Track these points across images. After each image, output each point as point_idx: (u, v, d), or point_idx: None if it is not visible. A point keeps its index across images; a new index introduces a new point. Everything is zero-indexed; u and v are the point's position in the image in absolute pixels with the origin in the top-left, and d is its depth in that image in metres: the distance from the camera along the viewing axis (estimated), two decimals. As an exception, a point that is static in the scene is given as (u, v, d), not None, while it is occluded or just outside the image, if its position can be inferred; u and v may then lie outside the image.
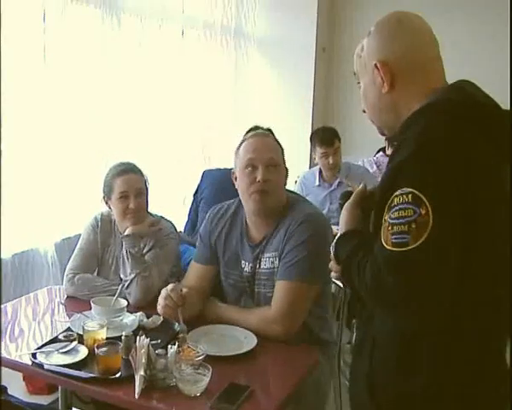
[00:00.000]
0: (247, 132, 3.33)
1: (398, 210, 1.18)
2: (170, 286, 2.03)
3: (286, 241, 2.07)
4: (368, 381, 1.37)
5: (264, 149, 2.14)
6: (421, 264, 1.15)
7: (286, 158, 2.23)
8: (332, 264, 1.42)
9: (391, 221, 1.19)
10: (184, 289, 2.05)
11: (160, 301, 2.03)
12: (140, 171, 2.47)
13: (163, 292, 2.03)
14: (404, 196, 1.17)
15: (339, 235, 1.42)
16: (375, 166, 4.35)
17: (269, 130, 3.40)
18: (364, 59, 1.42)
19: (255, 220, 2.18)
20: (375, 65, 1.36)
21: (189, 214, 3.51)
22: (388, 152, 4.48)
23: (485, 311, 1.25)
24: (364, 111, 1.48)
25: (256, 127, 3.41)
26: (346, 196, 1.59)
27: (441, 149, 1.19)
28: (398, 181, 1.20)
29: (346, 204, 1.46)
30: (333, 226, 2.20)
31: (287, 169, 2.21)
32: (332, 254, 1.40)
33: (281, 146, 2.23)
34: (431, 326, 1.24)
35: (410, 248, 1.15)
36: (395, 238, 1.17)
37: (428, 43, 1.38)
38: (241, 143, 2.20)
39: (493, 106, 1.30)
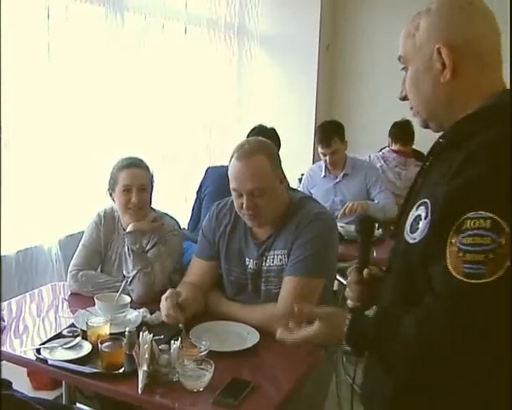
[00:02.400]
0: (251, 131, 3.36)
1: (472, 235, 1.03)
2: (168, 293, 2.03)
3: (295, 238, 2.08)
4: None
5: (247, 177, 2.04)
6: (496, 300, 1.02)
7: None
8: None
9: (462, 247, 1.04)
10: (182, 296, 2.03)
11: (163, 310, 2.03)
12: (146, 166, 2.47)
13: (163, 302, 2.03)
14: (482, 221, 1.02)
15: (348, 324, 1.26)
16: (382, 161, 4.37)
17: (272, 129, 3.43)
18: (420, 40, 1.23)
19: (256, 228, 2.20)
20: (438, 49, 1.19)
21: (192, 211, 3.52)
22: (393, 147, 4.47)
23: None
24: (405, 98, 1.31)
25: (260, 126, 3.45)
26: (362, 220, 1.52)
27: None
28: (472, 200, 1.05)
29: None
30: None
31: (284, 175, 2.17)
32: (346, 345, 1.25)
33: (271, 155, 2.12)
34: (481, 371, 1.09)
35: (485, 281, 1.01)
36: (468, 268, 1.03)
37: (497, 31, 1.22)
38: (231, 156, 2.12)
39: None
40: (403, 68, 1.30)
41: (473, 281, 1.03)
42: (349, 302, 1.45)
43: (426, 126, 1.31)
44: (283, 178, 2.19)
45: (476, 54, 1.19)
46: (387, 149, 4.53)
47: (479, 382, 1.11)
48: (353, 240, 3.25)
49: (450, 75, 1.19)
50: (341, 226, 3.31)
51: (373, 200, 3.79)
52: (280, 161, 2.18)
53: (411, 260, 1.19)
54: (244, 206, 2.07)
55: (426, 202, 1.17)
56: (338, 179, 3.90)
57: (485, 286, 1.02)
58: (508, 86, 1.24)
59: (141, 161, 2.48)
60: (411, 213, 1.22)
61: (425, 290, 1.16)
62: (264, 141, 2.20)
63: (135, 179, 2.40)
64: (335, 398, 2.63)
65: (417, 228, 1.17)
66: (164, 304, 2.02)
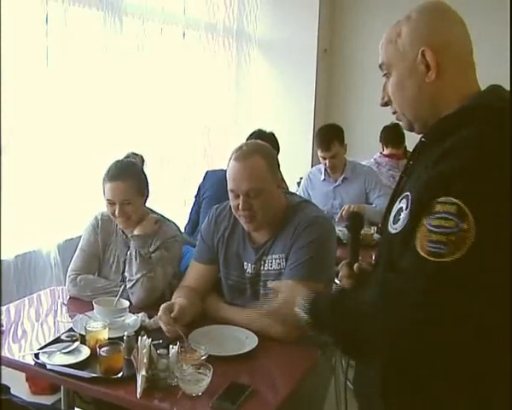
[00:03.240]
0: (250, 136, 3.36)
1: (439, 218, 1.13)
2: (161, 311, 2.01)
3: (292, 243, 2.09)
4: None
5: (244, 177, 2.06)
6: (453, 279, 1.10)
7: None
8: None
9: (430, 227, 1.14)
10: (175, 308, 2.01)
11: (163, 327, 2.01)
12: (133, 174, 2.41)
13: (161, 316, 2.01)
14: (449, 206, 1.12)
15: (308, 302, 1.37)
16: (375, 167, 4.38)
17: (271, 133, 3.43)
18: (403, 45, 1.31)
19: (252, 231, 2.20)
20: (422, 51, 1.27)
21: (190, 214, 3.52)
22: (385, 152, 4.51)
23: None
24: (386, 104, 1.40)
25: (259, 130, 3.45)
26: (353, 217, 1.61)
27: (497, 165, 1.13)
28: (444, 188, 1.14)
29: None
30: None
31: (282, 180, 2.18)
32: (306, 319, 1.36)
33: (269, 157, 2.13)
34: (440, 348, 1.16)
35: (444, 260, 1.11)
36: (431, 246, 1.13)
37: (468, 36, 1.33)
38: (230, 158, 2.14)
39: None
40: (384, 74, 1.38)
41: (434, 259, 1.12)
42: None
43: (410, 129, 1.39)
44: (281, 183, 2.19)
45: (455, 54, 1.29)
46: (379, 154, 4.56)
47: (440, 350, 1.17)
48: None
49: (434, 75, 1.28)
50: (340, 230, 3.32)
51: (372, 204, 3.79)
52: (278, 166, 2.19)
53: (393, 250, 1.27)
54: (240, 207, 2.08)
55: (407, 195, 1.26)
56: (337, 183, 3.91)
57: (445, 265, 1.11)
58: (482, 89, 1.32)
59: (127, 169, 2.41)
60: (395, 207, 1.30)
61: None
62: (263, 144, 2.21)
63: (116, 195, 2.35)
64: (334, 401, 2.62)
65: (399, 219, 1.26)
66: (161, 321, 2.01)
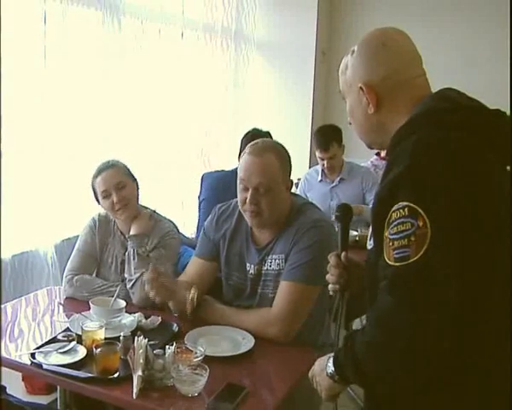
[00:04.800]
0: (246, 135, 3.35)
1: (396, 225, 1.18)
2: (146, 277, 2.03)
3: (293, 244, 2.09)
4: None
5: (256, 171, 2.07)
6: (423, 275, 1.13)
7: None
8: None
9: (391, 237, 1.19)
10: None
11: (146, 288, 2.02)
12: (117, 164, 2.48)
13: (146, 282, 2.02)
14: (401, 211, 1.17)
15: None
16: (372, 170, 4.40)
17: (267, 132, 3.42)
18: (349, 78, 1.43)
19: (256, 229, 2.20)
20: (361, 87, 1.37)
21: (199, 218, 3.49)
22: (382, 154, 4.52)
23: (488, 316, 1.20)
24: (350, 123, 1.49)
25: (255, 129, 3.44)
26: (342, 208, 1.64)
27: (432, 159, 1.18)
28: (394, 196, 1.20)
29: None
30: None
31: (291, 181, 2.19)
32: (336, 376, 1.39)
33: (282, 158, 2.14)
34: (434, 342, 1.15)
35: (411, 261, 1.14)
36: (397, 253, 1.17)
37: (412, 63, 1.38)
38: (244, 152, 2.16)
39: (479, 107, 1.29)
40: (343, 99, 1.49)
41: (402, 263, 1.16)
42: (330, 286, 1.57)
43: (370, 148, 1.52)
44: (290, 187, 2.20)
45: (394, 85, 1.36)
46: (375, 157, 4.56)
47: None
48: (350, 245, 3.27)
49: (373, 109, 1.37)
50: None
51: (368, 205, 3.79)
52: (290, 169, 2.18)
53: (370, 263, 1.34)
54: (247, 200, 2.08)
55: None
56: (334, 184, 3.92)
57: (413, 265, 1.14)
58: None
59: (110, 161, 2.49)
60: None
61: None
62: (279, 144, 2.23)
63: (108, 182, 2.41)
64: (330, 403, 2.62)
65: (372, 235, 1.33)
66: (146, 281, 2.02)
